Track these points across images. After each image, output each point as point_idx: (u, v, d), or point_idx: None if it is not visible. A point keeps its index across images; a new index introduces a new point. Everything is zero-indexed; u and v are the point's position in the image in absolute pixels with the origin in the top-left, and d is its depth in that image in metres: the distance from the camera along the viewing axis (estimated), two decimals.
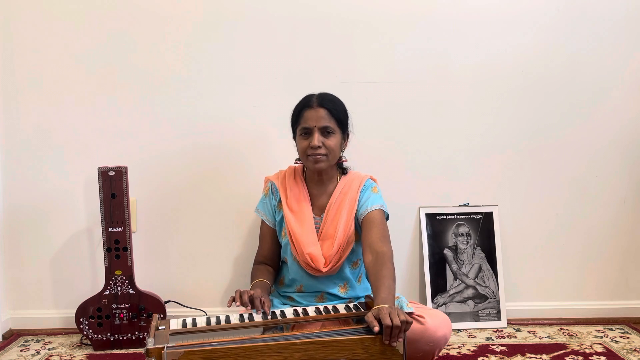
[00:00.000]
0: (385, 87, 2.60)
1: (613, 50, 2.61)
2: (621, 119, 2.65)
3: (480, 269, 2.65)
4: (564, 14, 2.59)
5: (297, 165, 2.22)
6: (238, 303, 1.87)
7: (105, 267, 2.41)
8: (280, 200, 2.17)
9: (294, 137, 2.15)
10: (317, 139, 2.02)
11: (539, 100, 2.64)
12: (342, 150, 2.14)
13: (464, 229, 2.67)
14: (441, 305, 2.62)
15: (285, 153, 2.49)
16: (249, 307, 1.87)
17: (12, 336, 2.58)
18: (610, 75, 2.62)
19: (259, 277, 2.12)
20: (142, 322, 2.43)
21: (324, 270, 2.06)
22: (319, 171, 2.11)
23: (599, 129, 2.65)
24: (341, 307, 1.90)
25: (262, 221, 2.23)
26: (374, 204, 2.08)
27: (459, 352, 2.33)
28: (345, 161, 2.18)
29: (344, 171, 2.19)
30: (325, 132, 2.03)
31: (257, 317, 1.83)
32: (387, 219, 2.10)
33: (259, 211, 2.23)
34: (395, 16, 2.57)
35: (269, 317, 1.83)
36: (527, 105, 2.64)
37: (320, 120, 2.03)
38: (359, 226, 2.10)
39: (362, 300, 2.07)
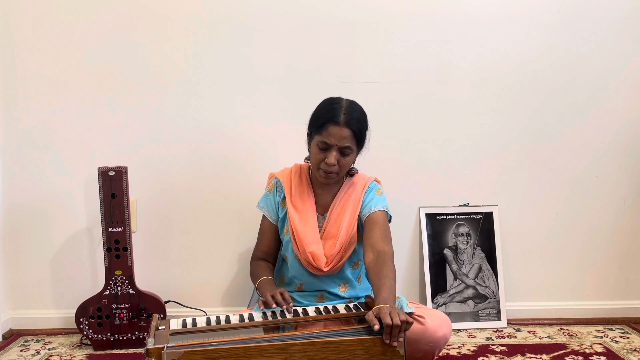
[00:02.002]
0: (385, 87, 2.60)
1: (613, 49, 2.61)
2: (621, 119, 2.65)
3: (480, 269, 2.65)
4: (564, 13, 2.59)
5: (302, 163, 2.22)
6: (274, 305, 1.86)
7: (105, 267, 2.41)
8: (284, 197, 2.16)
9: (309, 137, 2.09)
10: (334, 157, 1.98)
11: (538, 99, 2.64)
12: (353, 162, 2.11)
13: (464, 229, 2.67)
14: (441, 305, 2.62)
15: (285, 153, 2.50)
16: (284, 306, 1.87)
17: (12, 336, 2.58)
18: (610, 75, 2.62)
19: (264, 274, 2.11)
20: (142, 322, 2.43)
21: (325, 269, 2.06)
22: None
23: (598, 128, 2.65)
24: (341, 307, 1.90)
25: (263, 217, 2.22)
26: (377, 205, 2.08)
27: (459, 352, 2.33)
28: (356, 172, 2.18)
29: (348, 172, 2.19)
30: (344, 151, 2.00)
31: (257, 317, 1.83)
32: (389, 220, 2.10)
33: (261, 206, 2.22)
34: (395, 16, 2.57)
35: (289, 314, 1.83)
36: (527, 105, 2.64)
37: (343, 140, 1.97)
38: (361, 227, 2.10)
39: (362, 300, 2.07)
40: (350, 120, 1.98)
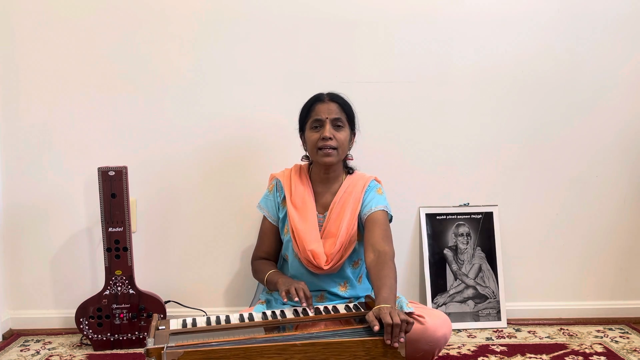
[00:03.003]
0: (385, 87, 2.60)
1: (612, 49, 2.61)
2: (621, 119, 2.65)
3: (480, 269, 2.65)
4: (564, 13, 2.59)
5: (302, 163, 2.23)
6: (296, 299, 1.88)
7: (105, 267, 2.41)
8: (284, 197, 2.17)
9: (302, 134, 2.17)
10: (328, 130, 2.05)
11: (538, 99, 2.64)
12: (349, 148, 2.17)
13: (464, 229, 2.67)
14: (441, 305, 2.62)
15: (284, 153, 2.50)
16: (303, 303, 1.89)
17: (12, 336, 2.58)
18: (609, 74, 2.62)
19: (271, 268, 2.14)
20: (142, 322, 2.43)
21: (325, 268, 2.06)
22: (327, 167, 2.11)
23: (598, 128, 2.65)
24: (341, 307, 1.90)
25: (264, 217, 2.23)
26: (377, 205, 2.08)
27: (459, 352, 2.33)
28: (351, 159, 2.20)
29: (349, 171, 2.20)
30: (336, 124, 2.08)
31: (257, 317, 1.83)
32: (390, 220, 2.11)
33: (262, 207, 2.24)
34: (395, 16, 2.58)
35: (312, 312, 1.85)
36: (526, 105, 2.64)
37: (332, 112, 2.07)
38: (362, 226, 2.11)
39: (363, 299, 2.07)
40: (334, 97, 2.13)
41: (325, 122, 2.06)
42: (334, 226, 2.09)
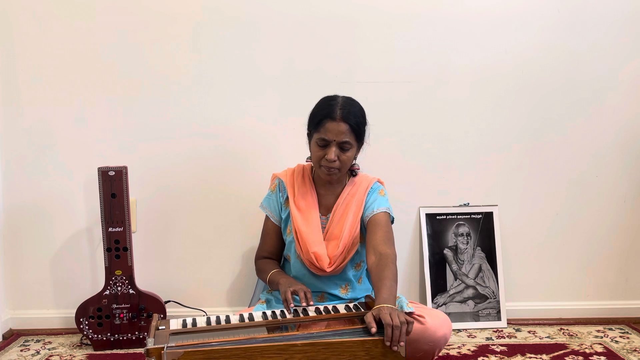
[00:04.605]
0: (385, 87, 2.60)
1: (612, 50, 2.61)
2: (621, 119, 2.65)
3: (480, 269, 2.65)
4: (564, 13, 2.59)
5: (305, 163, 2.22)
6: (292, 305, 1.88)
7: (105, 267, 2.41)
8: (287, 197, 2.17)
9: (308, 137, 2.10)
10: (334, 153, 1.99)
11: (538, 99, 2.64)
12: (355, 158, 2.12)
13: (464, 229, 2.67)
14: (441, 305, 2.62)
15: (286, 153, 2.50)
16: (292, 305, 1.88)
17: (12, 336, 2.58)
18: (609, 74, 2.63)
19: (274, 268, 2.14)
20: (142, 322, 2.43)
21: (328, 270, 2.06)
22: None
23: (598, 128, 2.65)
24: (341, 307, 1.90)
25: (267, 217, 2.23)
26: (380, 207, 2.08)
27: (459, 352, 2.33)
28: (358, 168, 2.18)
29: (352, 173, 2.19)
30: (343, 147, 2.00)
31: (257, 317, 1.83)
32: (392, 222, 2.11)
33: (264, 207, 2.23)
34: (395, 16, 2.58)
35: (308, 311, 1.85)
36: (526, 105, 2.64)
37: (341, 135, 1.98)
38: (364, 228, 2.10)
39: (362, 300, 2.07)
40: (346, 115, 1.99)
41: (332, 144, 1.99)
42: (337, 228, 2.09)
